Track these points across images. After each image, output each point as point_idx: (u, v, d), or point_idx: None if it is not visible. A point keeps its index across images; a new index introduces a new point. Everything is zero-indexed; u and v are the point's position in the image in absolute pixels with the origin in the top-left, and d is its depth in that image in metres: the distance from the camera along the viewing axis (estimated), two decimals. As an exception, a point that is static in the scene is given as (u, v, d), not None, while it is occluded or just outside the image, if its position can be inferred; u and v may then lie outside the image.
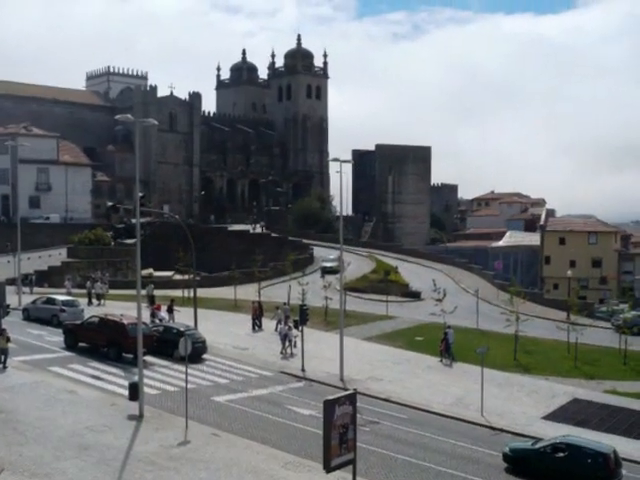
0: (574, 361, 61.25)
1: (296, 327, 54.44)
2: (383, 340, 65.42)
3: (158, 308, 64.26)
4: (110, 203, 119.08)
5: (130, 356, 47.40)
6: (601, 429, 44.42)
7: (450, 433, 40.74)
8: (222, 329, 63.18)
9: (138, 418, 35.96)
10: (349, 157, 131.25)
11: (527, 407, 48.26)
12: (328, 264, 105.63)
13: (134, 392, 36.86)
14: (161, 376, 45.88)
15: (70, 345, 50.96)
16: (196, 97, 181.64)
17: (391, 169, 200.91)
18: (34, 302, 62.05)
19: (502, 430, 42.41)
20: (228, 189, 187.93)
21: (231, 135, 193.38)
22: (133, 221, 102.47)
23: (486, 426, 42.99)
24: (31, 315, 60.60)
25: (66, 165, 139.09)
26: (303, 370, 51.17)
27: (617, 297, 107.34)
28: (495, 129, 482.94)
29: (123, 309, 60.46)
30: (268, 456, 33.01)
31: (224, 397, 42.76)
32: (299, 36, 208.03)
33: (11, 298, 65.59)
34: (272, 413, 40.31)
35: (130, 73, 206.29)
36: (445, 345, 58.93)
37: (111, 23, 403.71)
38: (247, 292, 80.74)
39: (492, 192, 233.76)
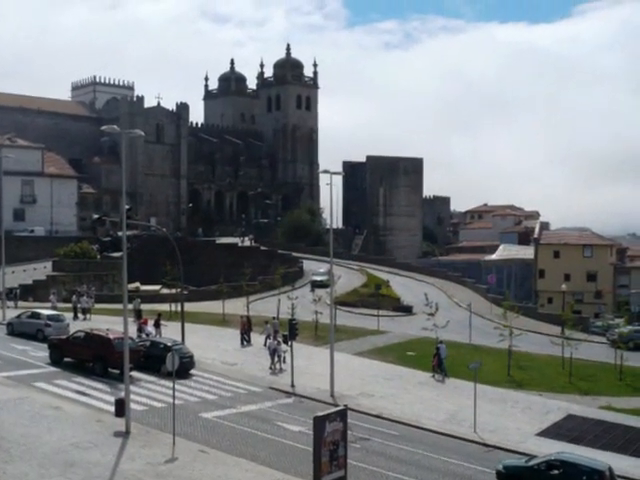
0: (569, 377, 61.40)
1: (285, 342, 54.38)
2: (374, 355, 65.48)
3: (145, 323, 64.21)
4: (96, 216, 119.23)
5: (116, 371, 47.33)
6: (596, 446, 44.47)
7: (442, 450, 40.80)
8: (210, 344, 63.17)
9: (124, 435, 35.92)
10: (339, 169, 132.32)
11: (521, 423, 48.33)
12: (318, 278, 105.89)
13: (120, 408, 36.86)
14: (148, 392, 45.86)
15: (55, 360, 50.89)
16: (183, 108, 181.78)
17: (382, 181, 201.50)
18: (19, 316, 61.86)
19: (495, 447, 42.46)
20: (216, 201, 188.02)
21: (219, 146, 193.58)
22: (119, 234, 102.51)
23: (479, 443, 43.05)
24: (15, 330, 60.40)
25: (51, 177, 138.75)
26: (293, 386, 51.19)
27: (613, 311, 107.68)
28: (489, 140, 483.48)
29: (109, 324, 60.34)
30: (257, 473, 33.01)
31: (212, 413, 42.75)
32: (288, 45, 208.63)
33: (-6, 312, 65.70)
34: (261, 429, 40.31)
35: (116, 83, 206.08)
36: (437, 360, 59.04)
37: (97, 32, 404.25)
38: (235, 306, 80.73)
39: (485, 204, 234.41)
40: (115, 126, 40.86)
